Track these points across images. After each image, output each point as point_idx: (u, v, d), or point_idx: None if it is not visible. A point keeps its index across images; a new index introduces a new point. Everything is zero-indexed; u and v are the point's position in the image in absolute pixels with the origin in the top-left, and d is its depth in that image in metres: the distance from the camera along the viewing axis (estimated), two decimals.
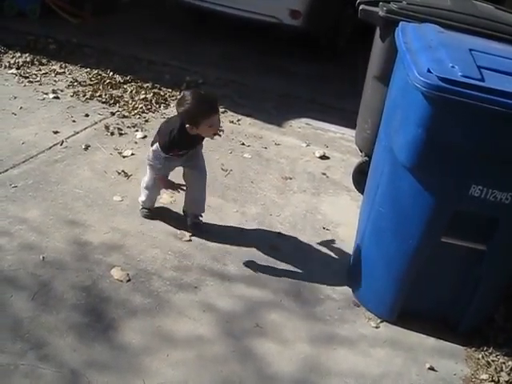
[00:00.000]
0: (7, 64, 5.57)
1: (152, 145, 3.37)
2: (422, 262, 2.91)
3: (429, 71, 2.54)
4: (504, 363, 2.97)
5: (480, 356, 3.01)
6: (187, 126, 3.20)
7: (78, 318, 2.82)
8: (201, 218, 3.65)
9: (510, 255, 2.89)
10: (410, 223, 2.85)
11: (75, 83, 5.42)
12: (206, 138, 3.44)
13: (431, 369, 2.91)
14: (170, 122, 3.41)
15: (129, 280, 3.10)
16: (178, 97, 3.53)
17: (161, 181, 3.46)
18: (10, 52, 5.86)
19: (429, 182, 2.72)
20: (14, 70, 5.47)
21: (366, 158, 4.15)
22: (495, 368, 2.94)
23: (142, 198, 3.64)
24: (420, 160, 2.68)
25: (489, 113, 2.48)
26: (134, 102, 5.20)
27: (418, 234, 2.83)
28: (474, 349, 3.06)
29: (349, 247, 3.57)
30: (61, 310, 2.84)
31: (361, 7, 3.94)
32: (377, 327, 3.12)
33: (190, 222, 3.62)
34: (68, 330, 2.73)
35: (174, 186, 3.47)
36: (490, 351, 3.03)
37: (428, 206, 2.76)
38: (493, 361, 2.98)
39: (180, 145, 3.32)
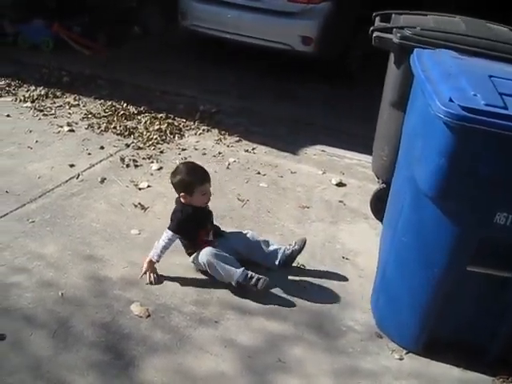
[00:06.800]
0: (22, 98, 5.62)
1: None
2: (448, 290, 2.86)
3: (451, 100, 2.51)
4: None
5: None
6: (181, 195, 3.38)
7: (98, 355, 2.78)
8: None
9: None
10: (434, 253, 2.80)
11: (89, 115, 5.44)
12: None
13: None
14: (175, 208, 3.47)
15: (148, 315, 3.07)
16: (173, 169, 3.55)
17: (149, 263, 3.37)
18: (25, 85, 5.92)
19: (453, 211, 2.68)
20: (28, 104, 5.52)
21: (384, 185, 4.11)
22: None
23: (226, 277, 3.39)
24: (443, 189, 2.64)
25: None
26: (148, 133, 5.20)
27: (443, 263, 2.78)
28: (501, 380, 2.97)
29: (369, 276, 3.51)
30: (81, 348, 2.81)
31: (375, 34, 3.92)
32: (401, 359, 3.05)
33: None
34: (88, 369, 2.70)
35: (150, 271, 3.36)
36: None
37: (452, 235, 2.71)
38: None
39: (189, 222, 3.38)
